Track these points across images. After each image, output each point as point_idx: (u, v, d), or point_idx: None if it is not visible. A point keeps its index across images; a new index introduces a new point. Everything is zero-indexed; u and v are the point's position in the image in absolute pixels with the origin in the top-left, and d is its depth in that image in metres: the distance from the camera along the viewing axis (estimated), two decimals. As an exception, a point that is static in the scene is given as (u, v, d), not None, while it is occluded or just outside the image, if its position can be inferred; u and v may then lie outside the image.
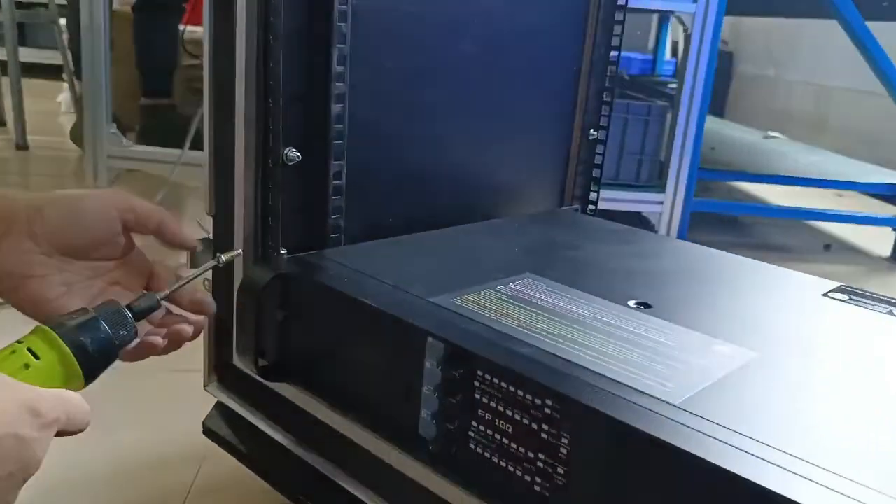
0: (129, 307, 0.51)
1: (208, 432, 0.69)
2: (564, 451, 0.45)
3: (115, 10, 2.22)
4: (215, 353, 0.70)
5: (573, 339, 0.52)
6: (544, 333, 0.52)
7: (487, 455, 0.50)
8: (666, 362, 0.49)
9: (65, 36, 2.59)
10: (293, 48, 0.61)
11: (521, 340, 0.51)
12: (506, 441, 0.48)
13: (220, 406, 0.70)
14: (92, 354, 0.46)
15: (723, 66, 3.77)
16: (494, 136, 0.83)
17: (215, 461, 0.82)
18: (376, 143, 0.70)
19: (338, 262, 0.63)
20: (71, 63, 2.44)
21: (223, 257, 0.59)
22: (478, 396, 0.50)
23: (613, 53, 0.91)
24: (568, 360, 0.49)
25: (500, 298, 0.58)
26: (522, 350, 0.50)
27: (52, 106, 2.90)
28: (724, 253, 0.76)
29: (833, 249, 2.00)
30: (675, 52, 3.07)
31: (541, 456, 0.47)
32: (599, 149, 0.94)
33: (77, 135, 2.11)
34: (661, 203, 1.65)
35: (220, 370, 0.70)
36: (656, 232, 1.63)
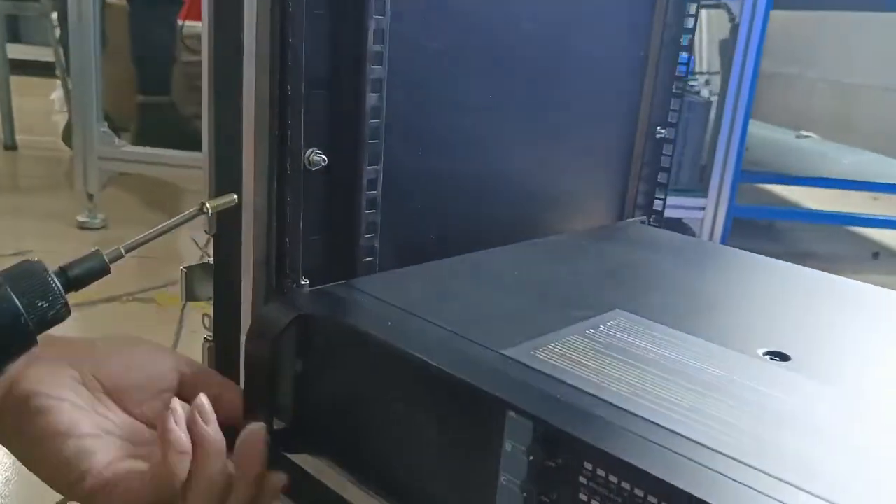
0: (58, 270, 0.38)
1: None
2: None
3: (109, 3, 2.08)
4: (216, 407, 0.56)
5: (716, 417, 0.38)
6: (672, 406, 0.38)
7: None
8: (850, 457, 0.35)
9: (57, 31, 2.46)
10: (318, 19, 0.47)
11: (644, 418, 0.37)
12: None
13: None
14: None
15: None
16: (550, 136, 0.69)
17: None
18: (415, 145, 0.56)
19: (374, 297, 0.49)
20: (63, 59, 2.30)
21: (209, 204, 0.45)
22: (584, 497, 0.36)
23: (686, 37, 0.77)
24: (722, 454, 0.34)
25: (593, 348, 0.44)
26: (651, 436, 0.36)
27: (45, 104, 2.77)
28: (852, 282, 0.61)
29: (881, 257, 1.86)
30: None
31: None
32: (667, 149, 0.80)
33: (68, 135, 1.98)
34: (703, 208, 1.51)
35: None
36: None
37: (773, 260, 0.67)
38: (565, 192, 0.73)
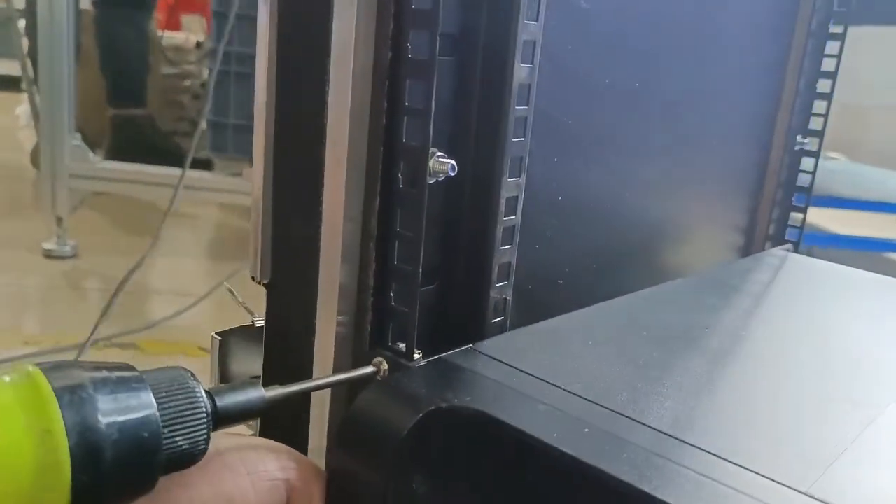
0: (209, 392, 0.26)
1: None
2: None
3: (83, 9, 1.90)
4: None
5: None
6: None
7: None
8: None
9: (24, 40, 2.26)
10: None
11: None
12: None
13: None
14: (98, 438, 0.22)
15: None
16: (685, 148, 0.52)
17: None
18: (550, 147, 0.39)
19: (531, 376, 0.31)
20: (31, 71, 2.10)
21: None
22: None
23: (836, 27, 0.61)
24: None
25: None
26: None
27: (8, 120, 2.55)
28: None
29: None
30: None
31: None
32: (807, 165, 0.64)
33: (37, 157, 1.78)
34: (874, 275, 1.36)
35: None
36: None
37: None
38: (698, 220, 0.57)
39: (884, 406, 0.31)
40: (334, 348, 0.32)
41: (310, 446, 0.34)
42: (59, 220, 1.33)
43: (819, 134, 0.63)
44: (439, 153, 0.31)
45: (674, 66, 0.48)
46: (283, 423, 0.34)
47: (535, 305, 0.39)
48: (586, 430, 0.27)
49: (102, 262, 1.36)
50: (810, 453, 0.27)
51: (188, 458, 0.25)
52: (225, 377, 0.36)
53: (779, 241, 0.65)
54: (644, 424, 0.28)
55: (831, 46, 0.61)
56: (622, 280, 0.47)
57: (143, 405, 0.23)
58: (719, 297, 0.46)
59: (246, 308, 0.35)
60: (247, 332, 0.36)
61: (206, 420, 0.25)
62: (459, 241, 0.34)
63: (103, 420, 0.22)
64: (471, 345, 0.34)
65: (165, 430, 0.24)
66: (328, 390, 0.33)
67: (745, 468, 0.25)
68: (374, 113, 0.30)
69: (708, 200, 0.58)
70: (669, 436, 0.27)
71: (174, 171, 1.56)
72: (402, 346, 0.32)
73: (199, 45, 2.50)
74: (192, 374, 0.26)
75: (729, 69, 0.55)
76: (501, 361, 0.32)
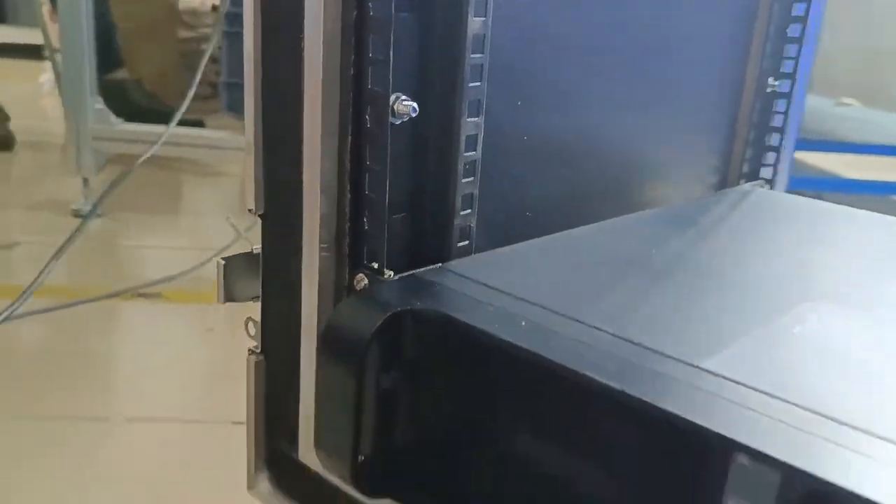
0: None
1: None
2: None
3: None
4: (266, 438, 0.43)
5: None
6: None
7: None
8: None
9: (44, 8, 2.31)
10: None
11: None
12: None
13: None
14: None
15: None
16: (655, 93, 0.56)
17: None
18: (514, 95, 0.44)
19: (488, 287, 0.36)
20: (52, 39, 2.16)
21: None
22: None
23: (804, -31, 0.64)
24: None
25: (818, 354, 0.31)
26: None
27: (33, 88, 2.63)
28: None
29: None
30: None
31: None
32: (780, 105, 0.68)
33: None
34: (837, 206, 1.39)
35: (274, 465, 0.44)
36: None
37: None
38: (668, 159, 0.61)
39: (793, 305, 0.36)
40: (319, 269, 0.38)
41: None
42: (86, 181, 1.40)
43: (790, 76, 0.67)
44: (404, 97, 0.36)
45: (642, 11, 0.52)
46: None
47: (505, 234, 0.44)
48: (524, 323, 0.32)
49: (128, 219, 1.43)
50: (714, 338, 0.32)
51: None
52: (229, 294, 0.41)
53: (753, 179, 0.69)
54: (575, 319, 0.33)
55: (801, -10, 0.64)
56: (592, 215, 0.52)
57: None
58: (675, 225, 0.51)
59: (245, 238, 0.41)
60: (247, 257, 0.41)
61: None
62: (427, 174, 0.39)
63: None
64: (439, 264, 0.39)
65: None
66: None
67: (650, 349, 0.30)
68: (343, 65, 0.35)
69: (680, 140, 0.62)
70: (595, 328, 0.32)
71: (192, 132, 1.62)
72: (375, 265, 0.37)
73: (214, 8, 2.54)
74: None
75: (699, 14, 0.59)
76: (462, 276, 0.38)
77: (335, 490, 0.39)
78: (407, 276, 0.37)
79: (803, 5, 0.65)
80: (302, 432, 0.40)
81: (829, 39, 3.36)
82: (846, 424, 0.26)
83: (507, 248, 0.43)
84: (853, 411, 0.27)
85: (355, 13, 0.34)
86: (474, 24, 0.37)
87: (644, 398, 0.27)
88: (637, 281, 0.40)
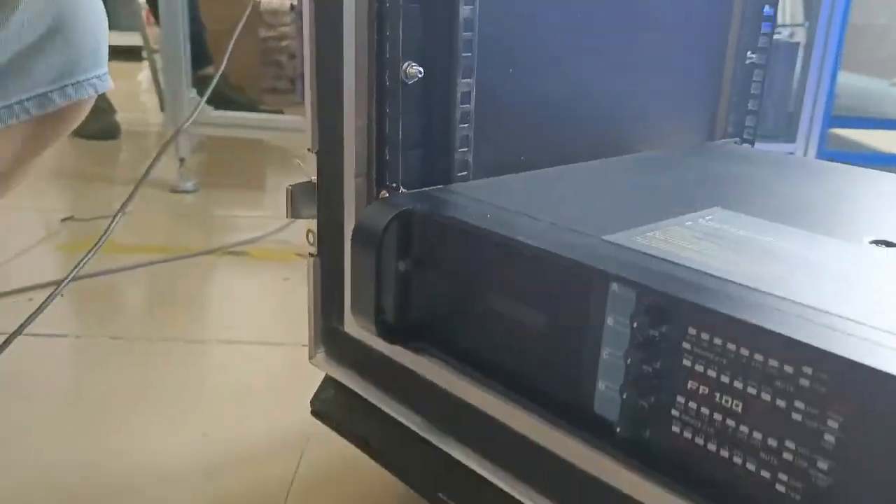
0: None
1: (319, 414, 0.59)
2: (831, 439, 0.32)
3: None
4: (322, 318, 0.59)
5: (824, 289, 0.38)
6: (777, 280, 0.39)
7: (702, 442, 0.37)
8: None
9: (143, 12, 2.56)
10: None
11: (748, 287, 0.38)
12: (732, 423, 0.35)
13: (330, 382, 0.59)
14: None
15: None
16: (637, 58, 0.69)
17: (319, 447, 0.72)
18: (506, 64, 0.58)
19: (472, 198, 0.50)
20: (150, 41, 2.40)
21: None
22: (688, 362, 0.37)
23: (776, -45, 0.75)
24: (830, 314, 0.35)
25: (694, 236, 0.44)
26: (755, 297, 0.36)
27: (133, 86, 2.90)
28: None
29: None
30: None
31: (790, 445, 0.33)
32: (757, 75, 0.79)
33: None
34: (793, 153, 1.46)
35: (328, 338, 0.59)
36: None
37: (875, 171, 0.65)
38: (653, 116, 0.73)
39: (704, 209, 0.49)
40: (355, 190, 0.53)
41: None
42: (182, 161, 1.61)
43: (765, 51, 0.78)
44: (413, 63, 0.50)
45: None
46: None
47: (504, 171, 0.58)
48: (488, 216, 0.46)
49: (219, 194, 1.63)
50: (628, 223, 0.45)
51: None
52: (296, 212, 0.57)
53: (738, 136, 0.80)
54: (525, 214, 0.47)
55: (772, -25, 0.75)
56: (581, 160, 0.65)
57: None
58: (655, 165, 0.63)
59: (306, 172, 0.57)
60: (307, 185, 0.57)
61: None
62: (432, 121, 0.53)
63: None
64: (441, 185, 0.54)
65: None
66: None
67: (566, 227, 0.44)
68: (370, 42, 0.50)
69: (670, 102, 0.75)
70: (552, 223, 0.46)
71: (273, 117, 1.82)
72: (394, 184, 0.52)
73: (293, 7, 2.75)
74: None
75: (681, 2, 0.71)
76: (454, 192, 0.52)
77: (370, 350, 0.54)
78: (416, 191, 0.52)
79: (775, -13, 0.76)
80: (346, 310, 0.55)
81: (891, 23, 3.33)
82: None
83: (497, 178, 0.57)
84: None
85: (377, 5, 0.49)
86: (464, 10, 0.51)
87: (551, 249, 0.41)
88: (587, 193, 0.53)
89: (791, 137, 1.47)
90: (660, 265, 0.40)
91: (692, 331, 0.36)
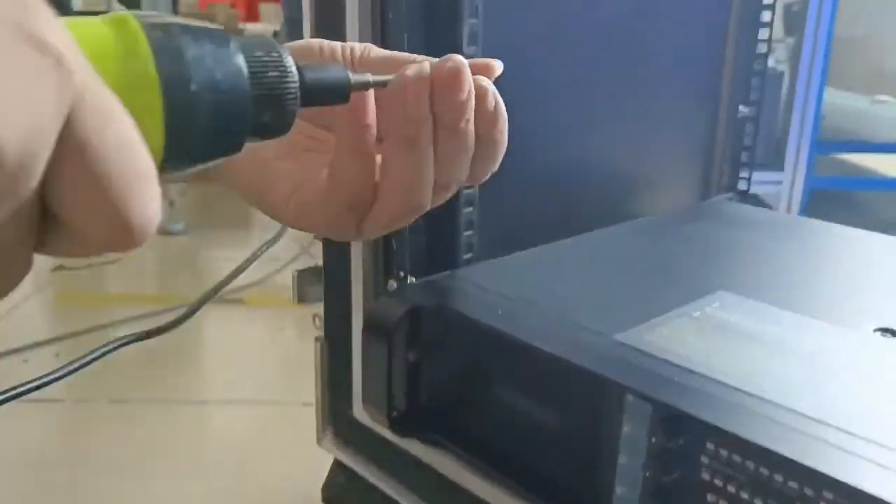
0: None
1: (330, 502, 0.58)
2: (855, 561, 0.32)
3: None
4: (330, 402, 0.59)
5: (835, 393, 0.38)
6: (789, 384, 0.39)
7: (723, 554, 0.37)
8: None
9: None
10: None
11: (764, 399, 0.38)
12: (754, 538, 0.36)
13: (340, 467, 0.59)
14: (191, 69, 0.20)
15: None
16: (635, 118, 0.70)
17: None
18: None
19: (480, 286, 0.51)
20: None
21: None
22: (706, 475, 0.37)
23: (766, 13, 0.76)
24: (848, 433, 0.35)
25: (701, 329, 0.45)
26: (772, 413, 0.37)
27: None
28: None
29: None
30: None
31: (813, 564, 0.34)
32: (749, 128, 0.80)
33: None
34: (780, 182, 1.48)
35: (337, 422, 0.59)
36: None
37: (872, 233, 0.66)
38: (651, 174, 0.74)
39: (709, 294, 0.49)
40: (363, 276, 0.53)
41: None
42: (171, 203, 1.60)
43: (756, 104, 0.79)
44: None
45: (620, 53, 0.65)
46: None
47: (506, 248, 0.59)
48: (500, 311, 0.47)
49: (207, 234, 1.63)
50: (636, 316, 0.45)
51: (274, 128, 0.23)
52: (302, 297, 0.57)
53: (732, 189, 0.81)
54: (548, 313, 0.47)
55: (762, 32, 0.77)
56: (583, 229, 0.65)
57: (231, 57, 0.21)
58: (655, 234, 0.63)
59: (308, 252, 0.57)
60: (313, 270, 0.57)
61: (295, 90, 0.23)
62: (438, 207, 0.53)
63: (191, 58, 0.20)
64: (449, 271, 0.54)
65: (252, 58, 0.22)
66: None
67: (591, 330, 0.44)
68: (373, 29, 0.49)
69: (666, 160, 0.75)
70: (561, 317, 0.46)
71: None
72: (402, 273, 0.52)
73: (276, 34, 2.75)
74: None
75: (676, 53, 0.72)
76: (467, 280, 0.52)
77: (379, 437, 0.54)
78: (423, 280, 0.52)
79: (765, 44, 0.77)
80: (355, 396, 0.55)
81: (870, 34, 3.38)
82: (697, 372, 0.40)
83: (502, 259, 0.57)
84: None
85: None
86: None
87: (563, 355, 0.41)
88: (591, 276, 0.53)
89: (780, 166, 1.48)
90: (673, 372, 0.40)
91: (710, 445, 0.36)
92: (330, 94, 0.26)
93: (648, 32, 0.68)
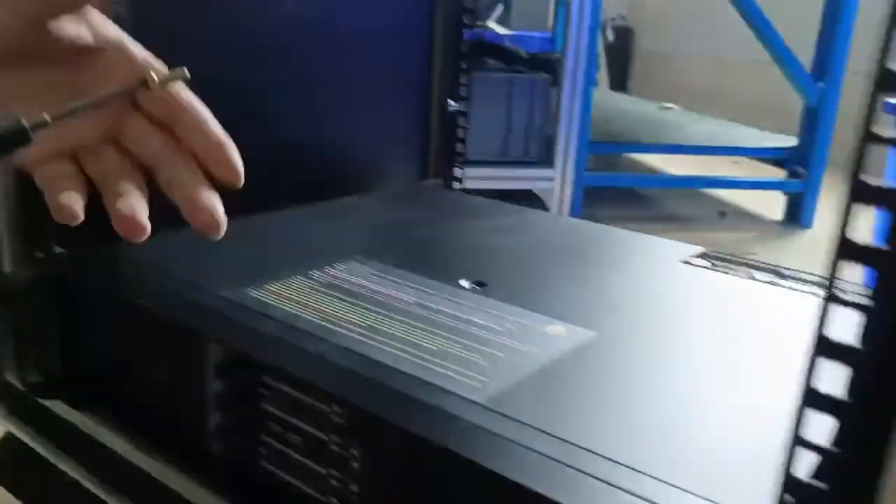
0: None
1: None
2: (356, 466, 0.38)
3: None
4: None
5: (384, 332, 0.44)
6: (350, 326, 0.44)
7: (280, 473, 0.42)
8: (486, 350, 0.42)
9: None
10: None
11: (319, 337, 0.43)
12: (297, 456, 0.41)
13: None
14: None
15: (624, 43, 3.79)
16: (337, 107, 0.75)
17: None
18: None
19: (127, 258, 0.53)
20: None
21: (156, 77, 0.36)
22: (266, 406, 0.42)
23: (466, 16, 0.84)
24: (367, 357, 0.41)
25: (309, 287, 0.50)
26: (316, 348, 0.42)
27: None
28: (586, 223, 0.70)
29: (729, 216, 2.00)
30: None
31: (333, 472, 0.39)
32: (462, 121, 0.87)
33: None
34: (552, 179, 1.60)
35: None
36: (548, 209, 1.58)
37: (542, 214, 0.75)
38: (361, 158, 0.79)
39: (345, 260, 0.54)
40: (10, 246, 0.54)
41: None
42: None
43: (465, 100, 0.86)
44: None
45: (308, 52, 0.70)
46: None
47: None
48: (130, 278, 0.49)
49: None
50: (259, 277, 0.49)
51: None
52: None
53: (449, 177, 0.88)
54: (194, 285, 0.50)
55: (465, 33, 0.84)
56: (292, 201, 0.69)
57: None
58: (348, 211, 0.68)
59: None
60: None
61: None
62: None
63: None
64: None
65: None
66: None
67: (201, 288, 0.48)
68: None
69: (376, 151, 0.81)
70: (185, 281, 0.49)
71: None
72: (50, 243, 0.54)
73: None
74: None
75: (373, 49, 0.77)
76: (119, 253, 0.54)
77: (32, 401, 0.55)
78: (72, 251, 0.54)
79: (467, 44, 0.84)
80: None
81: (676, 49, 3.67)
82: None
83: (179, 234, 0.59)
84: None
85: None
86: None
87: (153, 307, 0.44)
88: (256, 250, 0.57)
89: (551, 163, 1.60)
90: (254, 320, 0.44)
91: (265, 380, 0.41)
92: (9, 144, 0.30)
93: (336, 34, 0.73)
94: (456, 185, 0.88)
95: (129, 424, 0.50)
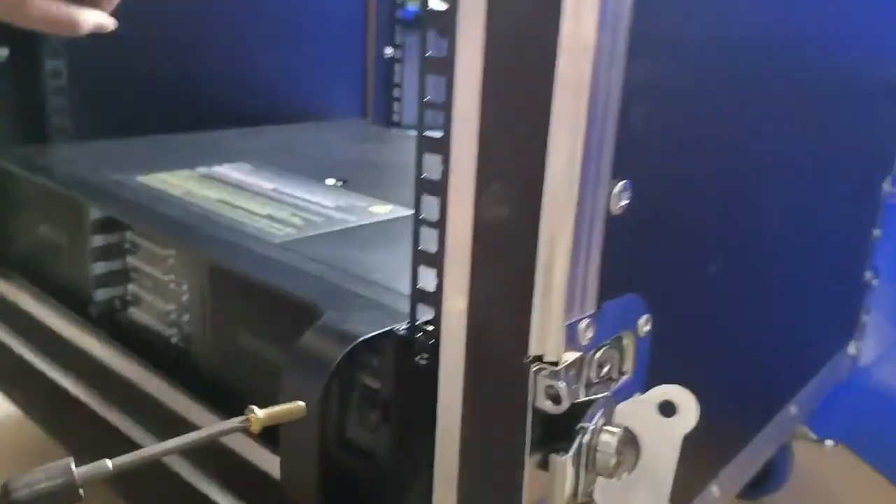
0: None
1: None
2: (185, 297, 0.46)
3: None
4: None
5: (232, 204, 0.52)
6: (205, 200, 0.53)
7: (141, 317, 0.50)
8: (307, 217, 0.50)
9: None
10: None
11: (174, 205, 0.51)
12: (150, 298, 0.49)
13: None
14: None
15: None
16: (275, 41, 0.83)
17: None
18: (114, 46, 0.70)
19: (54, 157, 0.63)
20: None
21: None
22: (130, 260, 0.50)
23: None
24: (206, 216, 0.49)
25: (190, 177, 0.58)
26: (167, 212, 0.50)
27: None
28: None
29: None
30: None
31: (172, 307, 0.48)
32: (397, 67, 0.95)
33: None
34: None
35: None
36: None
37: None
38: (306, 95, 0.87)
39: (235, 163, 0.63)
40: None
41: None
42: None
43: (400, 47, 0.94)
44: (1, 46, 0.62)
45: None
46: None
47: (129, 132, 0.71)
48: (50, 169, 0.59)
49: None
50: (156, 168, 0.58)
51: None
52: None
53: (387, 118, 0.96)
54: (95, 172, 0.59)
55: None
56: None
57: None
58: (270, 133, 0.77)
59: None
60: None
61: None
62: (25, 93, 0.66)
63: None
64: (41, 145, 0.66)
65: None
66: None
67: (107, 177, 0.57)
68: None
69: (320, 86, 0.89)
70: (93, 168, 0.59)
71: None
72: (-9, 143, 0.64)
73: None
74: None
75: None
76: (47, 153, 0.64)
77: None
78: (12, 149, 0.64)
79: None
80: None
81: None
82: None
83: (106, 142, 0.69)
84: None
85: None
86: None
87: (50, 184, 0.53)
88: (160, 153, 0.66)
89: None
90: (128, 194, 0.53)
91: (128, 236, 0.50)
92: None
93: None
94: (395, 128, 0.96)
95: (31, 282, 0.59)
